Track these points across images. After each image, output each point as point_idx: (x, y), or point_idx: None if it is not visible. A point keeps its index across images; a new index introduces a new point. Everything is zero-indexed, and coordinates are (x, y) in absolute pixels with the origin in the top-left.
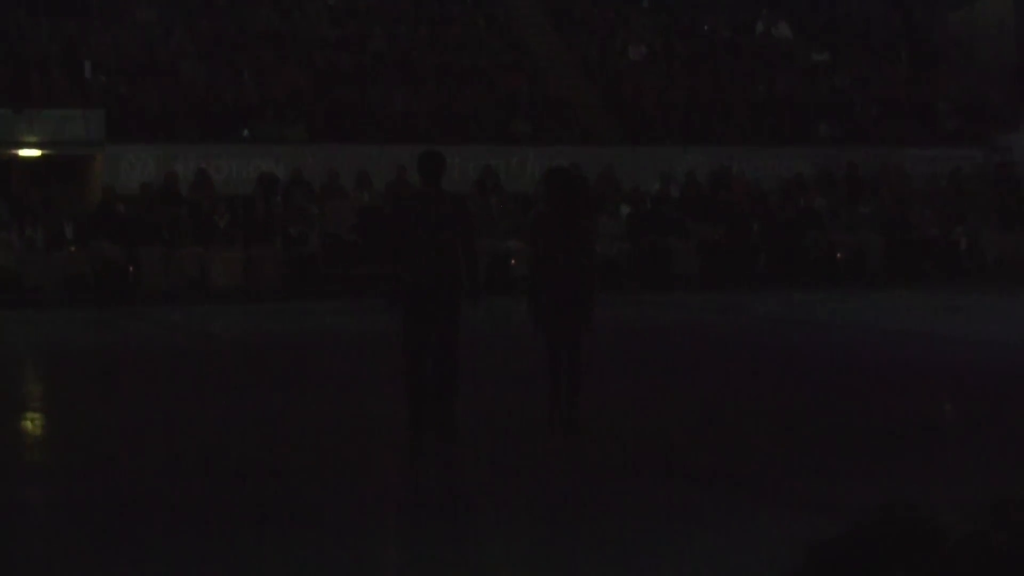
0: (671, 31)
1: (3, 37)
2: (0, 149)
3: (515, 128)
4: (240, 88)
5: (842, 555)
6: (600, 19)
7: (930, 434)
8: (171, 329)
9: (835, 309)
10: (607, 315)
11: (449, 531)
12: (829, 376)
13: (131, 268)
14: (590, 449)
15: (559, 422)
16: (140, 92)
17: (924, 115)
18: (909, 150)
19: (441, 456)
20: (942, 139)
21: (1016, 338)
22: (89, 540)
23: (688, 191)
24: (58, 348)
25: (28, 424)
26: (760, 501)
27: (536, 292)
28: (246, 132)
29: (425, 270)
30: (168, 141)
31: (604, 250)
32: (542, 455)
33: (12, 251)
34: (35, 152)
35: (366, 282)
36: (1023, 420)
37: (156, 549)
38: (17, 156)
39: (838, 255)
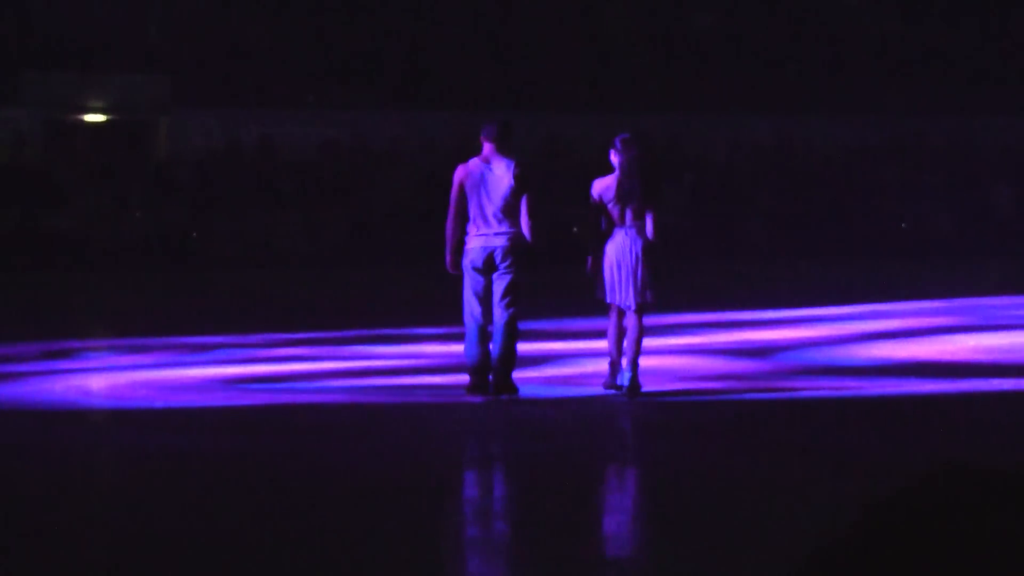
0: None
1: (69, 1)
2: (66, 114)
3: (579, 95)
4: (305, 53)
5: (899, 512)
6: None
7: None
8: (234, 294)
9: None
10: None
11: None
12: None
13: (194, 233)
14: (657, 414)
15: (620, 386)
16: (205, 57)
17: (997, 83)
18: (981, 119)
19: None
20: (1016, 108)
21: None
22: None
23: (753, 160)
24: (119, 312)
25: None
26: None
27: (599, 261)
28: (311, 98)
29: (488, 233)
30: (233, 107)
31: (668, 218)
32: (604, 417)
33: (78, 216)
34: (100, 117)
35: (430, 247)
36: None
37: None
38: (83, 121)
39: (903, 225)
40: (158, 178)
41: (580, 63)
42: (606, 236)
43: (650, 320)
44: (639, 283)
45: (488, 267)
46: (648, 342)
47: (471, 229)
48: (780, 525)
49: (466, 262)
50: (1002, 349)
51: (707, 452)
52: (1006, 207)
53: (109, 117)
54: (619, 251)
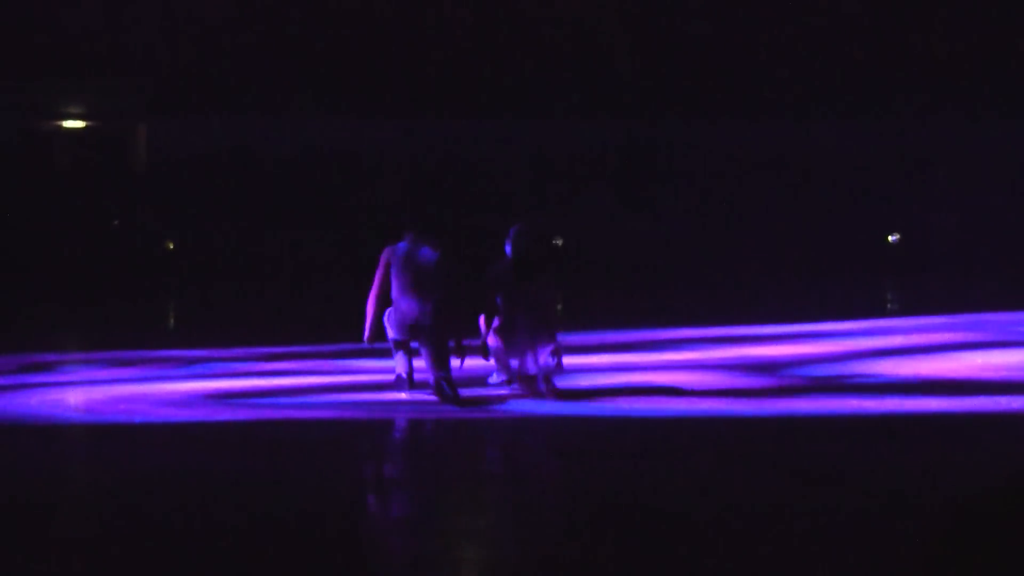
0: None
1: (45, 5)
2: (42, 120)
3: (571, 102)
4: (287, 60)
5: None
6: None
7: None
8: (215, 306)
9: None
10: None
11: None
12: None
13: (171, 244)
14: (657, 430)
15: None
16: (185, 63)
17: (1004, 89)
18: (989, 126)
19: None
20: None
21: None
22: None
23: (752, 171)
24: (97, 324)
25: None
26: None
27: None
28: (292, 106)
29: (412, 310)
30: (213, 114)
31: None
32: (607, 434)
33: (54, 224)
34: (78, 124)
35: None
36: None
37: None
38: (60, 128)
39: (892, 239)
40: (137, 185)
41: (572, 70)
42: (505, 314)
43: (647, 335)
44: (536, 342)
45: (413, 333)
46: (648, 357)
47: (395, 302)
48: (786, 546)
49: (394, 319)
50: (1010, 367)
51: (706, 469)
52: (1011, 218)
53: (87, 124)
54: (519, 323)
